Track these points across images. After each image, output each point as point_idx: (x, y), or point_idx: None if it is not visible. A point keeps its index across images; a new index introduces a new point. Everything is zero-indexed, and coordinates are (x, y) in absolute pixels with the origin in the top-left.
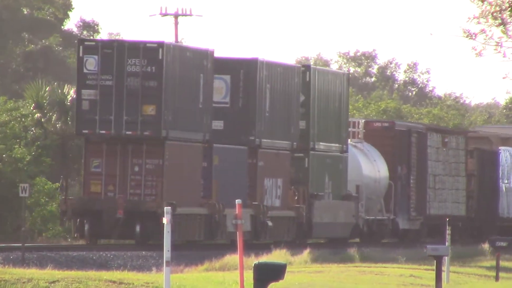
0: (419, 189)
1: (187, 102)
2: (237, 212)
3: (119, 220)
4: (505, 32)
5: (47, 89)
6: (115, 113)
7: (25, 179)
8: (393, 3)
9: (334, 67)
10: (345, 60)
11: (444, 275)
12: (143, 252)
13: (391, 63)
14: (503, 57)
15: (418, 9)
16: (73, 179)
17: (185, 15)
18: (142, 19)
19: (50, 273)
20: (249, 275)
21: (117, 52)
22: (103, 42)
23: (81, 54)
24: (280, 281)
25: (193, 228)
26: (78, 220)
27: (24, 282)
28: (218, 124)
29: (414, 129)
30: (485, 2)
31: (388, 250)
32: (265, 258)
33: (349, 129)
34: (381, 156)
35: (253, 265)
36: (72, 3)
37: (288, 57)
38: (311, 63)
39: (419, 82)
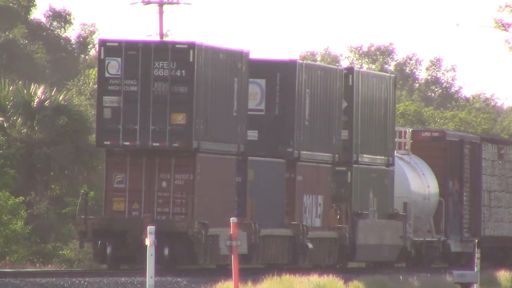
0: (473, 207)
1: (220, 109)
2: (231, 232)
3: (145, 242)
4: None
5: (10, 89)
6: (140, 122)
7: None
8: None
9: (344, 63)
10: (357, 56)
11: None
12: (122, 279)
13: (410, 59)
14: None
15: None
16: (40, 194)
17: (171, 3)
18: (122, 8)
19: None
20: None
21: (143, 54)
22: (127, 43)
23: (102, 56)
24: None
25: None
26: (99, 242)
27: None
28: (252, 134)
29: (467, 139)
30: None
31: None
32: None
33: (395, 139)
34: (430, 170)
35: None
36: None
37: (290, 52)
38: (318, 59)
39: (443, 81)
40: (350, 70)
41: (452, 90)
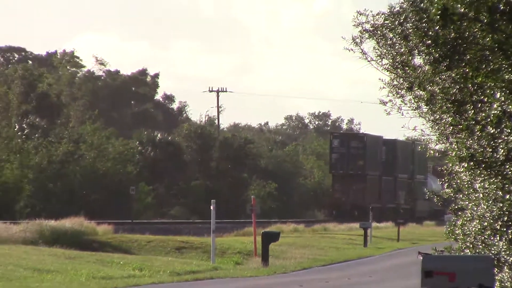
0: None
1: (374, 160)
2: (252, 203)
3: None
4: (403, 101)
5: None
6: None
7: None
8: None
9: None
10: None
11: (368, 239)
12: (199, 225)
13: None
14: (402, 116)
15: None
16: None
17: (224, 91)
18: (197, 93)
19: (147, 237)
20: (259, 239)
21: (344, 139)
22: (341, 133)
23: (331, 139)
24: (277, 241)
25: None
26: None
27: (133, 242)
28: None
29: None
30: (395, 77)
31: None
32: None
33: None
34: None
35: (261, 233)
36: None
37: None
38: None
39: None
40: (411, 140)
41: None
